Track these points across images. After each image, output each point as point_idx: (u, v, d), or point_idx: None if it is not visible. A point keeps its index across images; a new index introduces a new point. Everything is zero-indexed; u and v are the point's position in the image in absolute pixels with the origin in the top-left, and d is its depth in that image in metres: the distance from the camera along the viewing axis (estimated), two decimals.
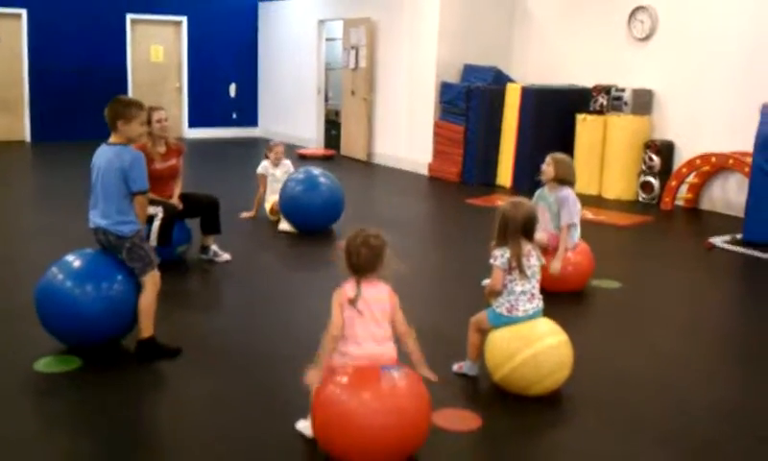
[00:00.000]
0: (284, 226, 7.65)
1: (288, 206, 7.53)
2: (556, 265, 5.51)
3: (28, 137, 14.47)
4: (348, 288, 3.37)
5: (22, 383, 4.08)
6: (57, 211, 7.93)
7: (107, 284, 4.26)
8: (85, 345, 4.32)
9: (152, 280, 4.35)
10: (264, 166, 8.36)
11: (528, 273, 3.96)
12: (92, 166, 4.36)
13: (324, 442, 3.27)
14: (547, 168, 5.71)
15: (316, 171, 7.79)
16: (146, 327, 4.35)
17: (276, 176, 8.27)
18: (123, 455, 3.38)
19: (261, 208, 8.27)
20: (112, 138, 4.34)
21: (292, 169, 8.34)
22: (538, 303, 4.04)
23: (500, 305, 4.00)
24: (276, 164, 8.36)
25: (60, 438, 3.52)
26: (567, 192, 5.67)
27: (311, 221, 7.49)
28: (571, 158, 5.95)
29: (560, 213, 5.64)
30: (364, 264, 3.35)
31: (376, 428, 3.12)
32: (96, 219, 4.32)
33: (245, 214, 8.24)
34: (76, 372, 4.15)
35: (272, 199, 8.10)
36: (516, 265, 3.94)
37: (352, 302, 3.33)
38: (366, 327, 3.33)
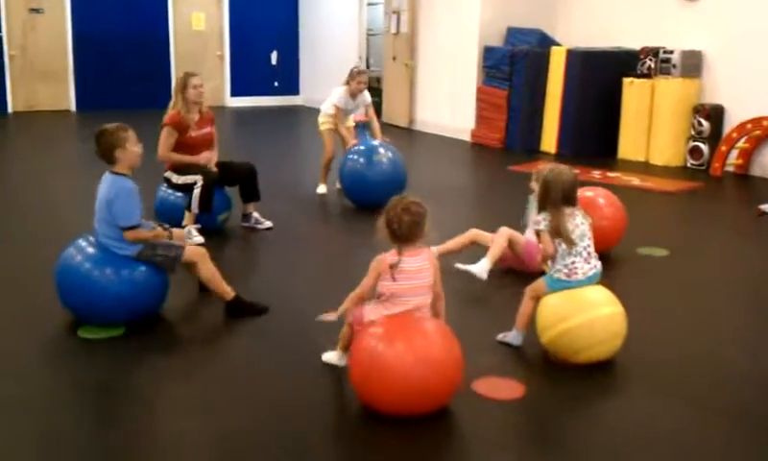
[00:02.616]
0: (322, 189, 7.63)
1: (349, 180, 7.19)
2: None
3: (73, 106, 14.62)
4: (389, 257, 3.34)
5: (64, 349, 4.12)
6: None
7: (121, 267, 4.24)
8: (107, 324, 4.30)
9: (197, 256, 4.36)
10: (340, 96, 7.57)
11: (575, 236, 3.87)
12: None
13: (362, 392, 3.35)
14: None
15: (378, 144, 7.33)
16: (223, 292, 4.41)
17: (351, 109, 7.78)
18: (160, 416, 3.39)
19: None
20: (116, 169, 4.30)
21: (369, 99, 7.77)
22: (595, 263, 3.94)
23: (558, 271, 3.90)
24: (354, 96, 7.63)
25: (96, 402, 3.54)
26: None
27: (372, 197, 6.73)
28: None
29: None
30: (406, 232, 3.33)
31: (411, 379, 3.19)
32: (99, 237, 4.29)
33: (320, 189, 7.76)
34: (118, 339, 4.17)
35: (349, 122, 7.84)
36: (559, 233, 3.85)
37: (393, 267, 3.31)
38: (403, 298, 3.36)
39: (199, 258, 4.37)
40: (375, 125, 7.82)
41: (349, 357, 3.47)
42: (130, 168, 4.34)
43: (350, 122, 7.95)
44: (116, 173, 4.29)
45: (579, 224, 3.92)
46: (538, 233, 3.99)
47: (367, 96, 7.78)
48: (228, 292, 4.43)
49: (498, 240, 5.20)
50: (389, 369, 3.21)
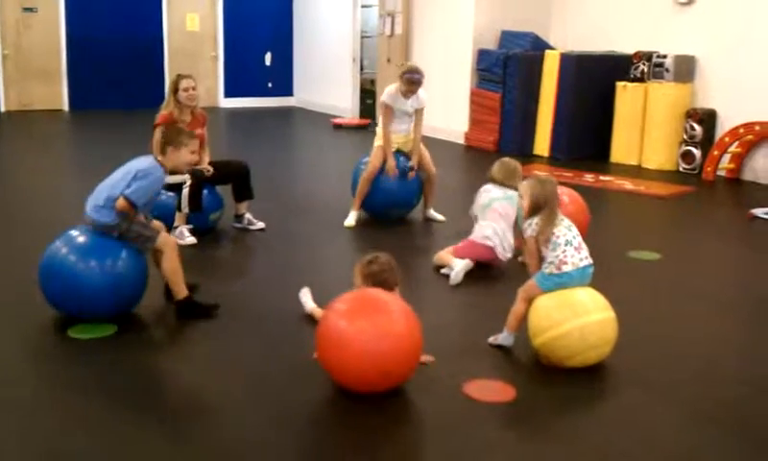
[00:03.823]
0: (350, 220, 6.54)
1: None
2: None
3: (66, 106, 14.58)
4: None
5: (54, 349, 4.10)
6: (94, 178, 7.95)
7: (105, 259, 4.25)
8: (89, 318, 4.30)
9: (167, 246, 4.36)
10: (391, 95, 6.57)
11: (563, 226, 3.93)
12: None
13: (323, 362, 3.55)
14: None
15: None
16: (179, 290, 4.39)
17: (405, 110, 6.60)
18: (146, 416, 3.38)
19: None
20: (161, 158, 4.44)
21: (424, 104, 6.68)
22: (586, 254, 3.94)
23: (547, 266, 3.91)
24: (407, 95, 6.55)
25: (82, 402, 3.52)
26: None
27: (372, 204, 6.66)
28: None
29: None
30: (388, 290, 3.70)
31: (369, 354, 3.37)
32: (87, 204, 4.35)
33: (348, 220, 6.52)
34: (109, 338, 4.16)
35: (399, 138, 6.62)
36: (545, 229, 3.91)
37: None
38: None
39: (169, 249, 4.36)
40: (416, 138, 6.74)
41: (316, 335, 3.60)
42: (172, 167, 4.51)
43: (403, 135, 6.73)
44: (159, 162, 4.41)
45: (562, 219, 3.98)
46: (524, 239, 4.03)
47: (423, 98, 6.68)
48: (183, 291, 4.41)
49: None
50: (348, 344, 3.40)
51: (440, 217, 6.78)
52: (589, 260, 3.96)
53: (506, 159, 5.75)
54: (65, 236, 4.35)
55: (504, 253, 5.42)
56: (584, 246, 3.96)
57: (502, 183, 5.52)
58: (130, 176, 4.27)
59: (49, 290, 4.30)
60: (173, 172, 4.61)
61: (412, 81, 6.48)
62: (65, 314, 4.32)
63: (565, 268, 3.87)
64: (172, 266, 4.36)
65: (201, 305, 4.47)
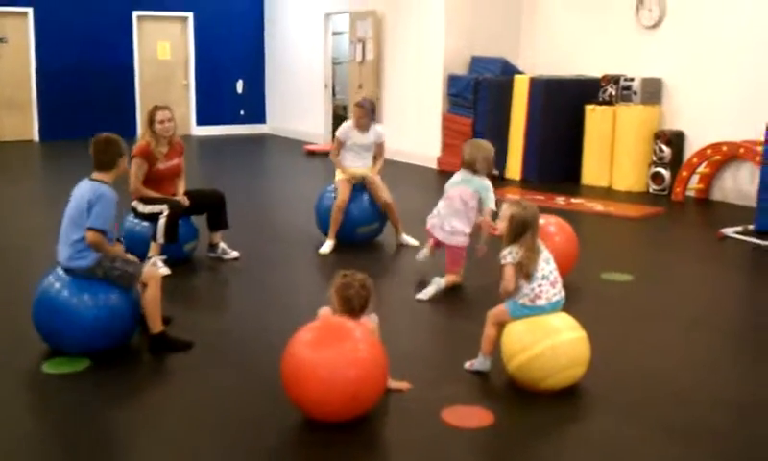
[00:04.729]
0: (325, 248, 6.60)
1: (323, 212, 6.83)
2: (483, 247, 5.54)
3: (36, 137, 14.47)
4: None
5: (28, 384, 4.07)
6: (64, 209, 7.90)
7: (98, 295, 4.27)
8: (82, 353, 4.29)
9: (151, 280, 4.35)
10: (343, 128, 6.83)
11: (541, 260, 3.93)
12: (70, 197, 4.40)
13: (289, 392, 3.54)
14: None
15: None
16: (154, 325, 4.37)
17: (362, 144, 6.77)
18: (121, 454, 3.35)
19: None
20: (101, 176, 4.38)
21: (382, 138, 6.86)
22: (560, 289, 3.98)
23: (523, 296, 3.93)
24: (360, 127, 6.75)
25: (60, 439, 3.50)
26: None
27: (345, 230, 6.72)
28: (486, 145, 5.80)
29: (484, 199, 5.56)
30: (363, 305, 3.76)
31: (336, 382, 3.38)
32: (59, 255, 4.34)
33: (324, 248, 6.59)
34: (84, 372, 4.13)
35: (353, 168, 6.72)
36: (529, 265, 3.89)
37: None
38: None
39: (153, 282, 4.36)
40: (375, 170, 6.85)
41: (282, 364, 3.60)
42: (116, 179, 4.45)
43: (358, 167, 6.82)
44: (97, 180, 4.35)
45: (542, 250, 3.98)
46: (502, 266, 4.00)
47: (380, 132, 6.90)
48: (158, 326, 4.39)
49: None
50: (313, 372, 3.41)
51: (413, 241, 6.82)
52: (562, 294, 4.00)
53: (475, 140, 5.85)
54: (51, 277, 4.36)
55: (444, 234, 5.58)
56: (559, 280, 4.00)
57: (468, 166, 5.61)
58: (84, 208, 4.25)
59: (42, 322, 4.31)
60: (145, 200, 4.55)
61: (357, 104, 6.77)
62: (50, 347, 4.31)
63: (539, 302, 3.91)
64: (153, 299, 4.35)
65: (174, 341, 4.43)
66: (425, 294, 5.37)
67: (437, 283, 5.42)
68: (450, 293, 5.49)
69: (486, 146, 5.72)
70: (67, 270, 4.30)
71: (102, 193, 4.28)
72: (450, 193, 5.61)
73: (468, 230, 5.58)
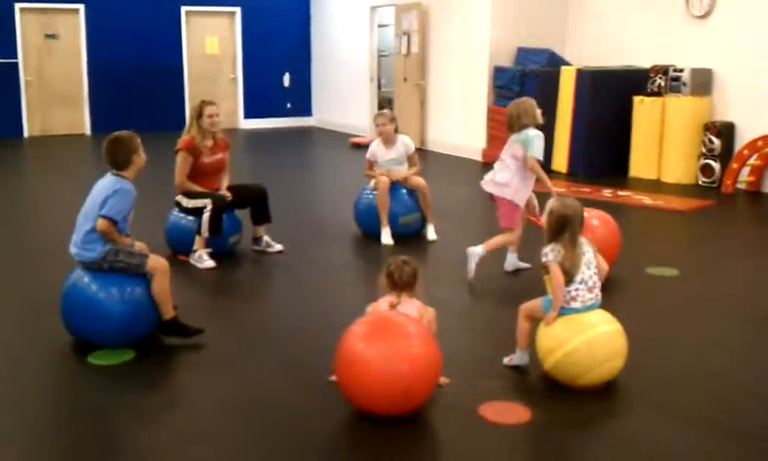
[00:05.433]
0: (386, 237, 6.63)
1: (363, 211, 6.94)
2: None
3: (88, 131, 14.77)
4: (387, 300, 3.84)
5: (74, 375, 4.16)
6: None
7: (123, 288, 4.35)
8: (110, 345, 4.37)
9: (158, 269, 4.40)
10: (372, 150, 6.87)
11: (582, 264, 3.87)
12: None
13: (343, 387, 3.57)
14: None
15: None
16: (165, 311, 4.44)
17: (392, 159, 6.80)
18: (163, 445, 3.41)
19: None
20: (122, 172, 4.45)
21: (412, 148, 6.86)
22: (597, 293, 3.92)
23: None
24: (386, 143, 6.81)
25: (103, 427, 3.58)
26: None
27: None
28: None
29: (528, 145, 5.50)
30: (406, 280, 3.84)
31: (389, 376, 3.38)
32: (71, 246, 4.42)
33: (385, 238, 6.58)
34: (128, 364, 4.21)
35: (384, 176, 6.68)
36: (570, 268, 3.84)
37: (393, 306, 3.79)
38: None
39: (159, 272, 4.40)
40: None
41: (336, 358, 3.63)
42: (136, 173, 4.52)
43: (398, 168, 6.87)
44: (120, 175, 4.43)
45: (585, 252, 3.92)
46: (546, 265, 3.93)
47: (407, 142, 6.89)
48: (170, 311, 4.46)
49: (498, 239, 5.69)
50: (367, 366, 3.41)
51: (433, 236, 6.81)
52: (598, 298, 3.93)
53: (519, 100, 5.76)
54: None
55: (495, 187, 5.63)
56: (597, 285, 3.92)
57: (512, 127, 5.60)
58: (99, 201, 4.33)
59: (70, 317, 4.38)
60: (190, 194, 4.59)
61: (377, 124, 6.83)
62: (84, 341, 4.39)
63: (574, 304, 3.86)
64: (162, 287, 4.41)
65: (185, 327, 4.50)
66: (470, 271, 5.51)
67: (472, 255, 5.54)
68: (492, 286, 5.47)
69: (524, 99, 5.69)
70: (81, 262, 4.39)
71: (121, 186, 4.37)
72: (502, 156, 5.67)
73: (520, 183, 5.56)
